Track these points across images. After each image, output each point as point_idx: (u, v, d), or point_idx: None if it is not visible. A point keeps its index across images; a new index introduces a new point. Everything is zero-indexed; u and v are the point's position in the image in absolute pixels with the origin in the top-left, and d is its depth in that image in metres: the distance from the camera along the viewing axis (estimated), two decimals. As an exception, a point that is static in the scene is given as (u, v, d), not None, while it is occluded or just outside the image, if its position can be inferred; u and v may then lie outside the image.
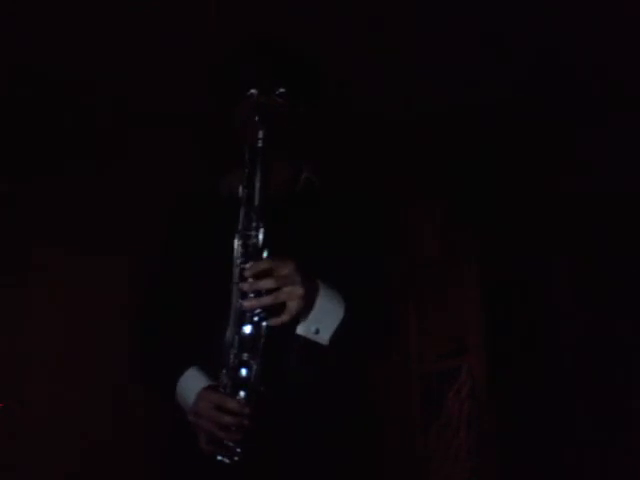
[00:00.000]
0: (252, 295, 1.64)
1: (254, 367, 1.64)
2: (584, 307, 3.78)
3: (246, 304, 1.64)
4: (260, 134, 1.70)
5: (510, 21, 3.18)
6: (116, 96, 3.72)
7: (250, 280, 1.64)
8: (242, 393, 1.65)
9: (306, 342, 1.70)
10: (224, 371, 1.66)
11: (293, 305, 1.64)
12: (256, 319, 1.65)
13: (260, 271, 1.63)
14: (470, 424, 4.05)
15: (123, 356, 2.01)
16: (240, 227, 1.68)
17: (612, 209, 3.65)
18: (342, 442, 1.78)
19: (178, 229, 1.95)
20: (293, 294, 1.63)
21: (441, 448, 4.18)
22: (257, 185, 1.68)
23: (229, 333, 1.66)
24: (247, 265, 1.64)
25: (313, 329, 1.68)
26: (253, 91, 1.80)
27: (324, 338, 1.69)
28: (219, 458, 1.67)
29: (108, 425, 3.89)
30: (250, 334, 1.65)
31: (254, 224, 1.67)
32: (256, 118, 1.71)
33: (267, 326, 1.65)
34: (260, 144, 1.70)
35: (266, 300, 1.63)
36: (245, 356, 1.65)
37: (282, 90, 1.80)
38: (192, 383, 1.75)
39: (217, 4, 3.04)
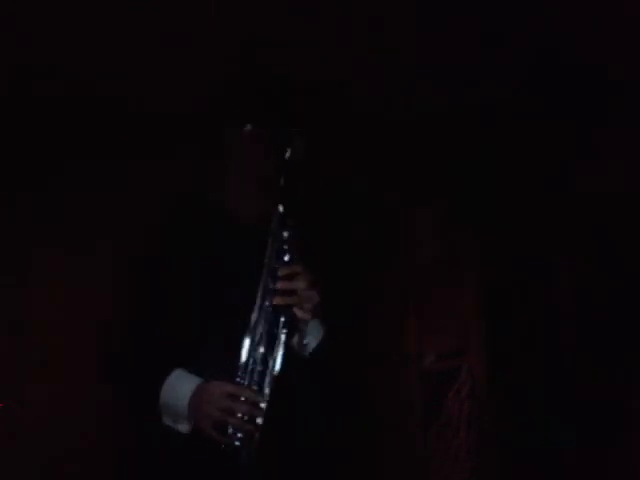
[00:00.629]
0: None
1: (270, 363, 1.72)
2: (584, 307, 3.78)
3: (276, 300, 1.74)
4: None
5: (510, 21, 3.18)
6: (116, 96, 3.72)
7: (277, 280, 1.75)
8: (255, 387, 1.71)
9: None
10: (241, 363, 1.72)
11: (308, 308, 1.75)
12: (283, 318, 1.74)
13: (292, 273, 1.75)
14: (470, 424, 4.05)
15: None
16: (273, 231, 1.79)
17: (612, 209, 3.64)
18: (342, 442, 1.80)
19: (171, 241, 2.01)
20: (313, 298, 1.75)
21: (441, 448, 4.17)
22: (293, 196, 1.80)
23: (251, 329, 1.73)
24: (279, 266, 1.76)
25: (306, 340, 1.78)
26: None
27: (307, 350, 1.78)
28: (223, 447, 1.70)
29: (108, 425, 3.88)
30: (270, 331, 1.74)
31: (285, 233, 1.78)
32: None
33: (287, 325, 1.75)
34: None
35: (292, 299, 1.74)
36: (262, 352, 1.72)
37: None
38: (182, 381, 1.79)
39: (217, 4, 3.04)
